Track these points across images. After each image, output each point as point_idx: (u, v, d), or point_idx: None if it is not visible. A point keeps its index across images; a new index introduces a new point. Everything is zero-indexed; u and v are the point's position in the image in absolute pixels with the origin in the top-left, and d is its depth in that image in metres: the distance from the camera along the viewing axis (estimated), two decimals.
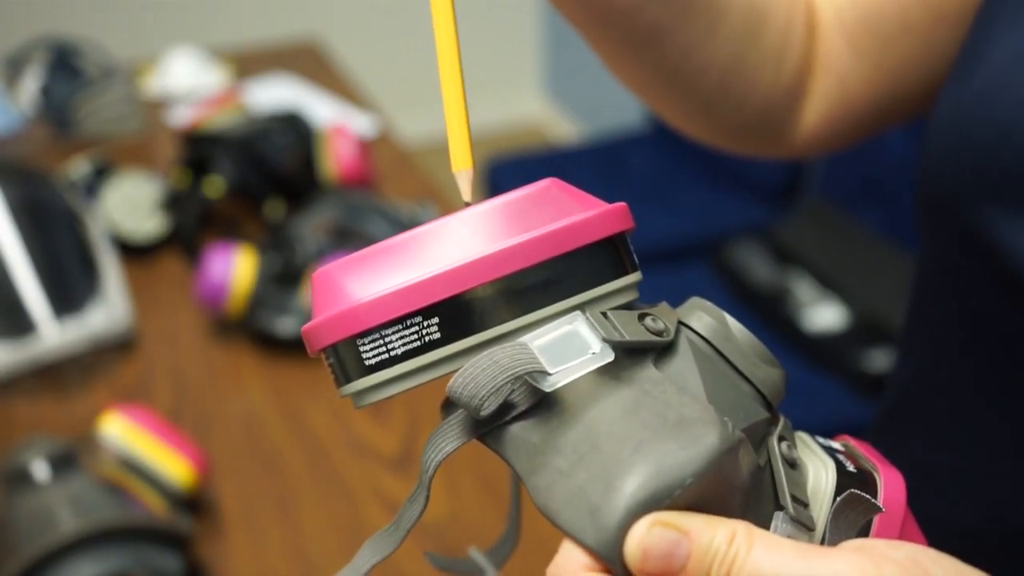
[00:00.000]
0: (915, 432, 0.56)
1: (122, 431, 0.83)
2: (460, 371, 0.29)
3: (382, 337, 0.31)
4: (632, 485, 0.28)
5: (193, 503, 0.88)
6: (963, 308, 0.50)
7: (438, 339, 0.31)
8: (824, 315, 1.78)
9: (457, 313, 0.31)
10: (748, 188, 2.31)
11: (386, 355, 0.31)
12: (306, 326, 0.33)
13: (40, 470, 0.78)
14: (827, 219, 1.96)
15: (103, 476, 0.79)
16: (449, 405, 0.33)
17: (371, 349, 0.32)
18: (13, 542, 0.72)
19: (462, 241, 0.32)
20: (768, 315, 1.85)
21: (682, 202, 2.34)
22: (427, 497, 0.32)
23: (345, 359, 0.32)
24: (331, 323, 0.32)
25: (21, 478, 0.77)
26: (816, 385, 1.71)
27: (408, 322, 0.31)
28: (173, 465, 0.82)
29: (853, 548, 0.29)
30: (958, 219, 0.48)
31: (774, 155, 0.63)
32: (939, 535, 0.51)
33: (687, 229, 2.23)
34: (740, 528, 0.28)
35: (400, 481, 0.91)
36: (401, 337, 0.31)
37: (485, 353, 0.30)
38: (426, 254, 0.32)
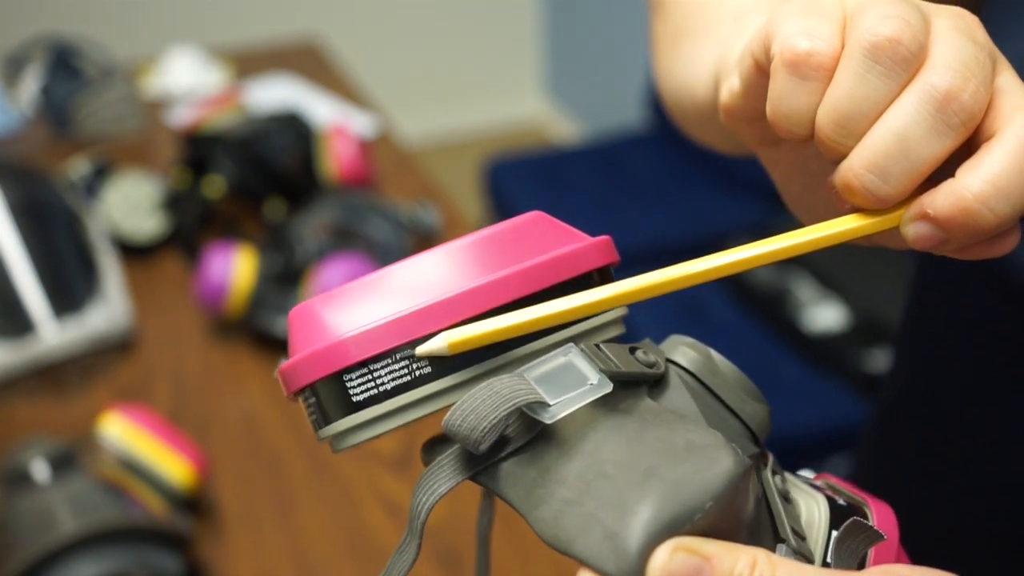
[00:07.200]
0: (910, 433, 0.56)
1: (122, 431, 0.83)
2: (458, 404, 0.28)
3: (370, 372, 0.30)
4: (651, 509, 0.26)
5: (193, 503, 0.88)
6: (961, 309, 0.50)
7: (429, 373, 0.30)
8: (824, 315, 1.78)
9: None
10: (748, 188, 2.30)
11: (375, 390, 0.30)
12: (285, 365, 0.31)
13: (40, 470, 0.78)
14: None
15: (103, 476, 0.78)
16: (432, 448, 0.32)
17: (359, 385, 0.30)
18: (13, 542, 0.72)
19: (449, 273, 0.31)
20: (768, 315, 1.85)
21: (682, 202, 2.34)
22: (419, 546, 0.30)
23: (329, 397, 0.30)
24: (317, 358, 0.30)
25: (21, 478, 0.77)
26: (816, 385, 1.71)
27: (397, 356, 0.30)
28: (173, 465, 0.82)
29: (877, 572, 0.28)
30: None
31: None
32: (933, 534, 0.51)
33: (687, 229, 2.23)
34: (761, 555, 0.27)
35: (400, 482, 0.91)
36: (390, 372, 0.30)
37: (484, 384, 0.28)
38: (412, 287, 0.30)
